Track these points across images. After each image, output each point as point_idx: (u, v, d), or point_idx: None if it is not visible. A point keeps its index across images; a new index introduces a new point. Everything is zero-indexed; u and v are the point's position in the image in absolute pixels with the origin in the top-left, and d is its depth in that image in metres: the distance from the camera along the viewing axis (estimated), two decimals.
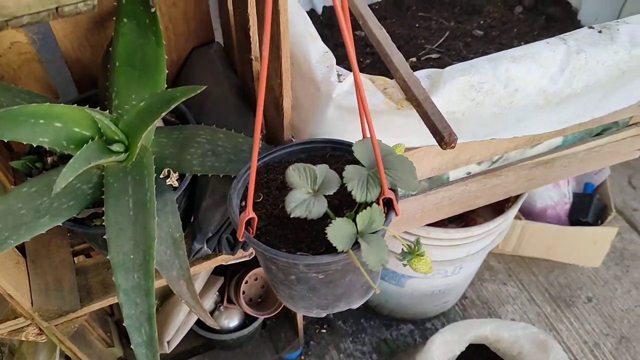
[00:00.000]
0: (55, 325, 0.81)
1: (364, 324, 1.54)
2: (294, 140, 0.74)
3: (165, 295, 1.30)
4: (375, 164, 0.62)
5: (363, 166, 0.62)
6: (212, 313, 1.33)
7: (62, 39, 0.82)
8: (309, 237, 0.61)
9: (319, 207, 0.59)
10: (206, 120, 0.78)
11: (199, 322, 1.32)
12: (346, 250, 0.56)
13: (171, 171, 0.72)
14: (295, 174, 0.60)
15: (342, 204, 0.64)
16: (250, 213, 0.58)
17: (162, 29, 0.70)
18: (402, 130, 0.75)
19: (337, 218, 0.57)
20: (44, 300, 0.78)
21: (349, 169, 0.60)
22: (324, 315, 0.69)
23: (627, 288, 1.65)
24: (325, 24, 1.14)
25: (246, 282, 1.27)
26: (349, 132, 0.71)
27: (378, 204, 0.59)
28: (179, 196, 0.73)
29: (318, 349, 1.48)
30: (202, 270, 0.86)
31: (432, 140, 0.80)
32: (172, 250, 0.69)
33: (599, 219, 1.58)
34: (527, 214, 1.58)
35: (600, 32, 0.79)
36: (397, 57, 0.74)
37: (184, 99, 0.64)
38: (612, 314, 1.59)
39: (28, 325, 0.79)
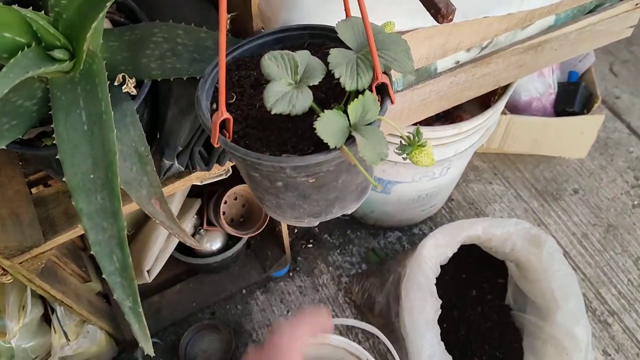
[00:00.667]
0: (20, 263, 0.73)
1: (350, 236, 1.50)
2: (264, 31, 0.64)
3: (139, 223, 1.22)
4: (363, 45, 0.53)
5: (350, 49, 0.53)
6: (192, 237, 1.26)
7: None
8: (294, 137, 0.53)
9: (304, 100, 0.50)
10: (160, 18, 0.67)
11: (180, 248, 1.25)
12: (339, 146, 0.49)
13: (127, 77, 0.62)
14: (273, 63, 0.51)
15: (328, 97, 0.56)
16: (224, 113, 0.50)
17: None
18: (386, 11, 0.66)
19: (325, 111, 0.49)
20: (2, 238, 0.70)
21: (335, 53, 0.52)
22: (316, 223, 0.62)
23: (613, 177, 1.63)
24: None
25: (225, 202, 1.20)
26: (326, 13, 0.62)
27: (371, 91, 0.51)
28: (139, 106, 0.63)
29: (306, 264, 1.44)
30: (176, 191, 0.78)
31: (421, 21, 0.71)
32: (139, 166, 0.60)
33: (584, 108, 1.53)
34: (512, 108, 1.52)
35: None
36: None
37: None
38: (598, 204, 1.57)
39: None
